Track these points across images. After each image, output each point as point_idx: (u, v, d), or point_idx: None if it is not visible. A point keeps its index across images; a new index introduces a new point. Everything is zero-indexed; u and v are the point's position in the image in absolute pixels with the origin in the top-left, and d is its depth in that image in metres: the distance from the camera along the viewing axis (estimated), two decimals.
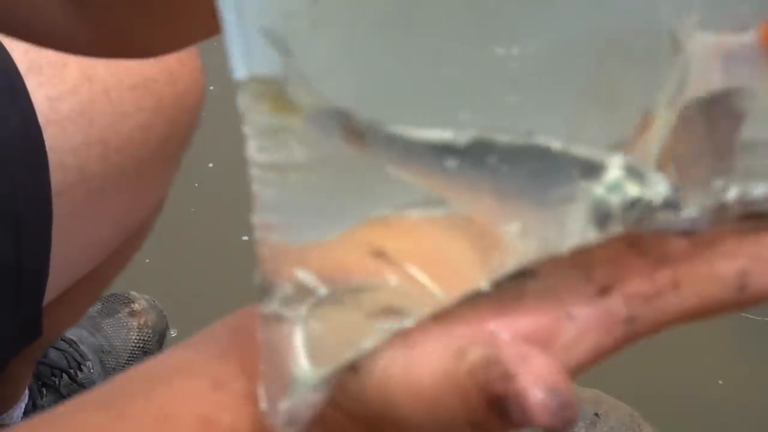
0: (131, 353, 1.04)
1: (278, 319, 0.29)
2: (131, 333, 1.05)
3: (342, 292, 0.29)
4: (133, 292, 1.09)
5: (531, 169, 0.29)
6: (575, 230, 0.29)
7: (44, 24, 0.36)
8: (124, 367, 1.04)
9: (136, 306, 1.07)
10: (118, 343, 1.04)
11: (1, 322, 0.73)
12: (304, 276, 0.29)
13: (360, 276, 0.29)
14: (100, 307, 1.06)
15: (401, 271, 0.29)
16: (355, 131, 0.29)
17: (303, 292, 0.29)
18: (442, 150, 0.29)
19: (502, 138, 0.29)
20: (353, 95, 0.29)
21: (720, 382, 1.13)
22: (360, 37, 0.29)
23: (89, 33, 0.36)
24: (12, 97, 0.70)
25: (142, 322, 1.06)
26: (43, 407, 0.97)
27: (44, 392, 0.98)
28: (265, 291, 0.30)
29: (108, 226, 0.77)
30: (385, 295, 0.29)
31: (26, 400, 0.96)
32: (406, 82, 0.29)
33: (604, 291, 0.29)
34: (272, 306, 0.30)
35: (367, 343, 0.29)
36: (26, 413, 0.95)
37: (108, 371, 1.02)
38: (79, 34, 0.37)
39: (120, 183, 0.74)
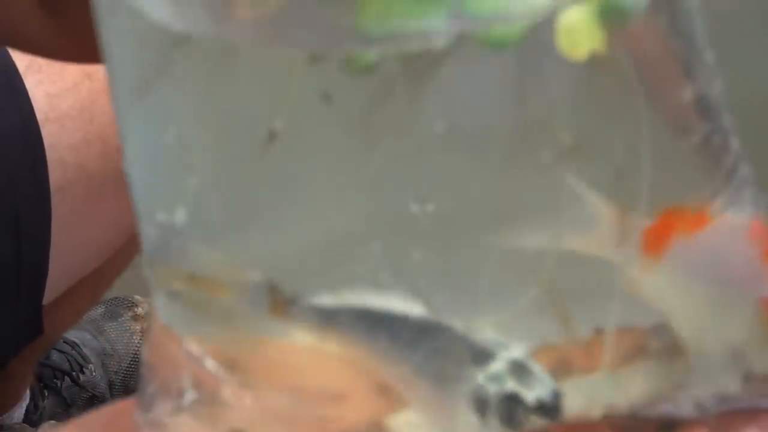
0: (134, 357, 1.04)
1: (148, 423, 0.29)
2: (134, 337, 1.05)
3: (202, 402, 0.29)
4: (136, 296, 1.09)
5: (433, 347, 0.29)
6: (459, 412, 0.29)
7: (16, 27, 0.36)
8: (126, 370, 1.04)
9: (139, 310, 1.07)
10: (120, 347, 1.04)
11: (1, 319, 0.73)
12: (182, 376, 0.30)
13: (219, 389, 0.29)
14: (103, 310, 1.06)
15: (255, 394, 0.29)
16: (280, 303, 0.29)
17: (171, 392, 0.29)
18: (358, 319, 0.29)
19: (415, 312, 0.29)
20: (266, 262, 0.29)
21: None
22: (267, 201, 0.29)
23: (62, 38, 0.36)
24: (10, 94, 0.70)
25: (145, 326, 1.06)
26: (44, 409, 0.97)
27: (46, 394, 0.98)
28: (141, 386, 0.30)
29: (109, 224, 0.78)
30: (237, 416, 0.29)
31: (27, 401, 0.96)
32: (315, 243, 0.29)
33: None
34: (142, 408, 0.30)
35: None
36: (27, 414, 0.95)
37: (110, 374, 1.02)
38: (53, 39, 0.36)
39: (121, 181, 0.74)
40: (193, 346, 0.29)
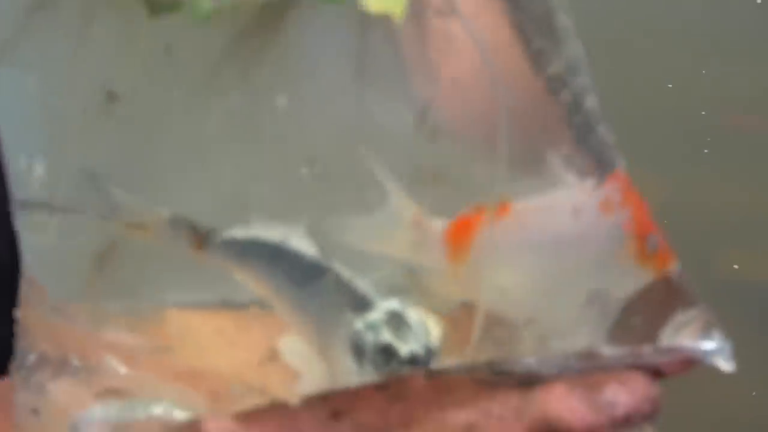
0: None
1: (27, 387, 0.31)
2: None
3: (83, 369, 0.31)
4: None
5: (318, 288, 0.31)
6: (338, 354, 0.30)
7: None
8: None
9: None
10: None
11: (2, 325, 0.72)
12: (54, 347, 0.31)
13: (97, 357, 0.31)
14: None
15: (134, 363, 0.31)
16: (198, 237, 0.31)
17: (52, 361, 0.31)
18: (263, 253, 0.31)
19: (310, 252, 0.31)
20: (182, 203, 0.31)
21: (753, 393, 1.09)
22: (174, 153, 0.31)
23: None
24: None
25: None
26: None
27: None
28: (17, 357, 0.32)
29: None
30: (115, 381, 0.31)
31: None
32: (214, 185, 0.31)
33: (336, 415, 0.30)
34: (22, 373, 0.31)
35: (84, 418, 0.30)
36: None
37: None
38: None
39: None
40: (93, 314, 0.31)
